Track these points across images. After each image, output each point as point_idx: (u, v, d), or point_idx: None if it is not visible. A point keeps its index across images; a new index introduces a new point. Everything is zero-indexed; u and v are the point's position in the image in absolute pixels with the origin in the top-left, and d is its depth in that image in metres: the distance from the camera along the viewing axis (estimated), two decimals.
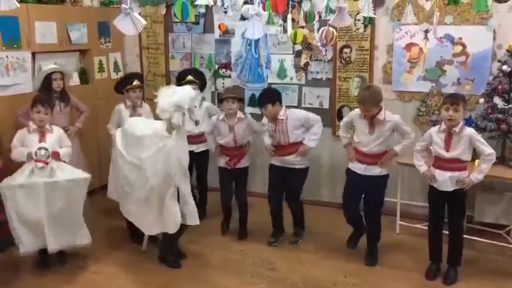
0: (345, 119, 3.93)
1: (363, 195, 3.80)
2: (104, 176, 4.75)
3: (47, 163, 3.55)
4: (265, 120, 4.12)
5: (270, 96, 4.01)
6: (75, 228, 3.69)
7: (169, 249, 3.83)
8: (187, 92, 3.58)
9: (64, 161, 3.72)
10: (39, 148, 3.57)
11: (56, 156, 3.64)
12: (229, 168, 4.23)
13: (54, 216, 3.52)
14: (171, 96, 3.52)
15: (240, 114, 4.23)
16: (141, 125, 3.77)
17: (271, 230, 4.23)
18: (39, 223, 3.49)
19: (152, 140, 3.57)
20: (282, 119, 3.94)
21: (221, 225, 4.43)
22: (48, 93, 4.18)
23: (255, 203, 4.57)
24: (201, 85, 4.58)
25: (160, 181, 3.53)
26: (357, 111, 3.78)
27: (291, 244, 4.14)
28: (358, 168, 3.73)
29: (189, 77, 4.47)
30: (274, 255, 3.98)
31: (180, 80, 4.49)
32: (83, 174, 3.74)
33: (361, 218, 3.89)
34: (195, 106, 3.67)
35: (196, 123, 3.79)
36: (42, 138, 3.66)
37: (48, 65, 4.37)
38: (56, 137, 3.76)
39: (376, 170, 3.69)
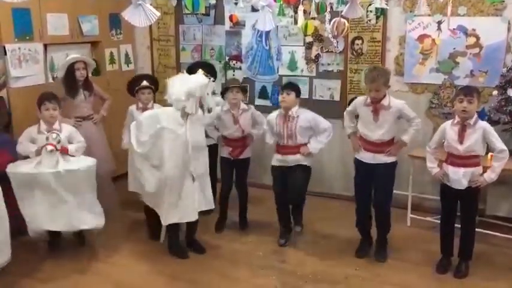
0: (348, 108, 3.88)
1: (373, 185, 3.74)
2: (116, 167, 4.79)
3: (55, 147, 3.61)
4: (270, 117, 4.05)
5: (296, 87, 4.01)
6: (87, 211, 3.71)
7: (173, 239, 3.85)
8: (198, 79, 3.59)
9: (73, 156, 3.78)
10: (51, 132, 3.66)
11: (64, 151, 3.69)
12: (232, 159, 4.22)
13: (63, 202, 3.58)
14: (182, 85, 3.54)
15: (243, 105, 4.23)
16: (157, 117, 3.70)
17: (280, 229, 4.12)
18: (47, 209, 3.56)
19: (170, 128, 3.58)
20: (293, 117, 3.88)
21: (217, 222, 4.32)
22: (72, 83, 4.24)
23: (264, 195, 4.58)
24: (213, 78, 4.53)
25: (178, 169, 3.58)
26: (361, 99, 3.74)
27: (296, 234, 4.06)
28: (366, 157, 3.69)
29: (200, 71, 4.43)
30: (285, 248, 3.99)
31: (191, 74, 4.47)
32: (88, 163, 3.76)
33: (370, 221, 3.82)
34: (207, 93, 3.64)
35: (209, 110, 3.73)
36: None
37: (70, 55, 4.40)
38: (65, 136, 3.80)
39: (384, 158, 3.65)
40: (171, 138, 3.57)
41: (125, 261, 3.79)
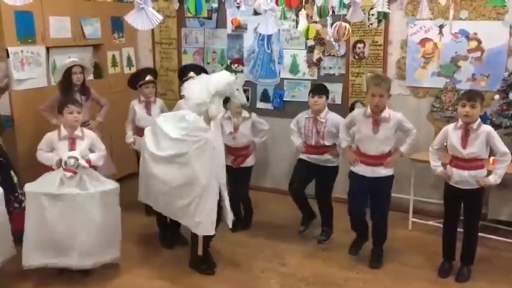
0: (345, 120, 3.82)
1: (370, 198, 3.71)
2: (117, 170, 4.80)
3: (75, 172, 3.37)
4: (299, 117, 4.07)
5: (326, 90, 4.02)
6: (109, 243, 3.46)
7: (198, 254, 3.58)
8: (223, 77, 3.35)
9: (94, 167, 3.56)
10: (69, 157, 3.37)
11: (88, 163, 3.45)
12: (234, 167, 4.20)
13: (86, 230, 3.34)
14: (206, 86, 3.31)
15: (245, 113, 4.20)
16: (173, 124, 3.42)
17: (301, 217, 4.23)
18: (64, 238, 3.31)
19: (193, 137, 3.29)
20: (322, 121, 3.93)
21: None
22: (68, 87, 4.20)
23: (264, 198, 4.58)
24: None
25: (209, 178, 3.31)
26: (359, 111, 3.74)
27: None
28: (364, 171, 3.64)
29: (191, 74, 4.28)
30: (285, 251, 3.98)
31: (182, 77, 4.45)
32: (112, 184, 3.54)
33: (366, 224, 3.79)
34: (237, 89, 3.40)
35: (243, 106, 3.62)
36: (72, 147, 3.49)
37: (67, 59, 4.37)
38: (87, 144, 3.57)
39: (382, 171, 3.60)
40: (198, 148, 3.28)
41: (123, 265, 3.74)
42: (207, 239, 3.55)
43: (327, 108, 3.99)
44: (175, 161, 3.33)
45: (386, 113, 3.55)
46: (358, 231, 3.83)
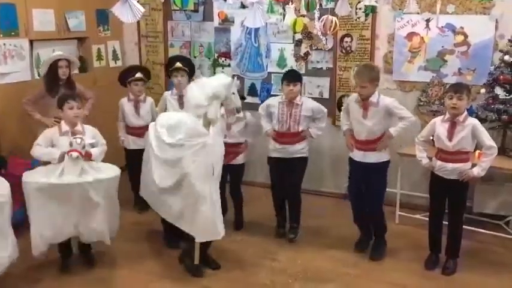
0: (343, 105, 3.90)
1: (364, 187, 3.72)
2: None
3: (81, 154, 3.32)
4: (271, 102, 4.03)
5: (299, 77, 4.00)
6: (107, 224, 3.46)
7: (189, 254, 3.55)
8: (221, 80, 3.36)
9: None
10: (75, 137, 3.35)
11: (88, 157, 3.40)
12: (224, 164, 4.14)
13: (86, 217, 3.34)
14: (203, 88, 3.29)
15: (239, 114, 4.11)
16: (178, 125, 3.36)
17: (277, 221, 4.19)
18: (67, 226, 3.32)
19: (190, 141, 3.25)
20: (298, 104, 3.90)
21: None
22: (53, 81, 4.13)
23: (257, 193, 4.57)
24: (190, 72, 4.40)
25: (204, 184, 3.26)
26: (353, 96, 3.75)
27: (289, 242, 4.03)
28: (357, 156, 3.68)
29: (178, 64, 4.29)
30: (276, 246, 3.98)
31: (169, 67, 4.41)
32: (114, 171, 3.50)
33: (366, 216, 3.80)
34: (233, 93, 3.38)
35: (238, 110, 3.54)
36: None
37: (53, 53, 4.29)
38: (90, 139, 3.50)
39: (375, 157, 3.63)
40: (194, 152, 3.23)
41: (119, 263, 3.70)
42: (205, 245, 3.51)
43: (300, 94, 3.98)
44: (171, 165, 3.30)
45: (374, 98, 3.57)
46: (360, 224, 3.83)
